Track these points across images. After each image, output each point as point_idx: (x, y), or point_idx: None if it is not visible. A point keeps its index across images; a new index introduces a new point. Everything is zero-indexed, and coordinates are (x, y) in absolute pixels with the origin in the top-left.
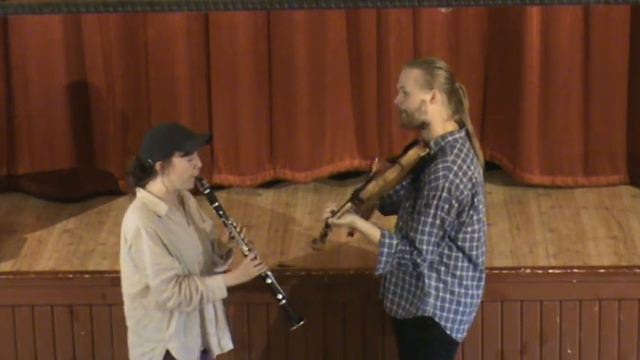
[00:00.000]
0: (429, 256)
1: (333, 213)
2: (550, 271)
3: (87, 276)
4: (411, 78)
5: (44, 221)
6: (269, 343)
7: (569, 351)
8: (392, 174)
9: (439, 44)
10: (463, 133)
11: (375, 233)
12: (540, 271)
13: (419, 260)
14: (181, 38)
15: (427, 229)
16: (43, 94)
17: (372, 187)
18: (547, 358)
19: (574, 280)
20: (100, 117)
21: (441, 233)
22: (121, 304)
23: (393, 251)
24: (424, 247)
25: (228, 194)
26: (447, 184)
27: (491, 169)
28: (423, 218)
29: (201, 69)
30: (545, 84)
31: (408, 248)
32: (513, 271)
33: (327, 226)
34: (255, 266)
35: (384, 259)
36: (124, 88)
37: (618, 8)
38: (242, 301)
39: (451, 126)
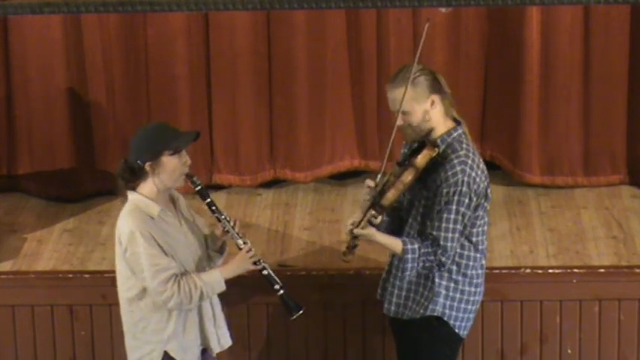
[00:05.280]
0: (452, 253)
1: (355, 224)
2: (550, 271)
3: (87, 276)
4: (404, 99)
5: (44, 221)
6: (269, 343)
7: (569, 351)
8: (408, 177)
9: (439, 44)
10: (462, 129)
11: (395, 243)
12: (540, 271)
13: (444, 259)
14: (181, 38)
15: (451, 225)
16: (43, 94)
17: (392, 194)
18: (547, 358)
19: (574, 280)
20: (99, 117)
21: (462, 228)
22: None
23: (417, 256)
24: (449, 244)
25: (228, 194)
26: (465, 179)
27: (491, 169)
28: (445, 215)
29: (201, 69)
30: (545, 84)
31: (430, 250)
32: (513, 271)
33: (354, 237)
34: (251, 257)
35: (409, 265)
36: (124, 88)
37: (618, 8)
38: (242, 301)
39: (450, 123)
